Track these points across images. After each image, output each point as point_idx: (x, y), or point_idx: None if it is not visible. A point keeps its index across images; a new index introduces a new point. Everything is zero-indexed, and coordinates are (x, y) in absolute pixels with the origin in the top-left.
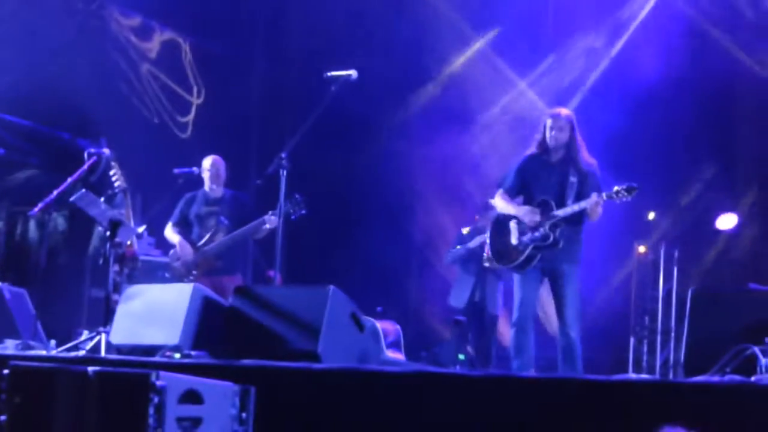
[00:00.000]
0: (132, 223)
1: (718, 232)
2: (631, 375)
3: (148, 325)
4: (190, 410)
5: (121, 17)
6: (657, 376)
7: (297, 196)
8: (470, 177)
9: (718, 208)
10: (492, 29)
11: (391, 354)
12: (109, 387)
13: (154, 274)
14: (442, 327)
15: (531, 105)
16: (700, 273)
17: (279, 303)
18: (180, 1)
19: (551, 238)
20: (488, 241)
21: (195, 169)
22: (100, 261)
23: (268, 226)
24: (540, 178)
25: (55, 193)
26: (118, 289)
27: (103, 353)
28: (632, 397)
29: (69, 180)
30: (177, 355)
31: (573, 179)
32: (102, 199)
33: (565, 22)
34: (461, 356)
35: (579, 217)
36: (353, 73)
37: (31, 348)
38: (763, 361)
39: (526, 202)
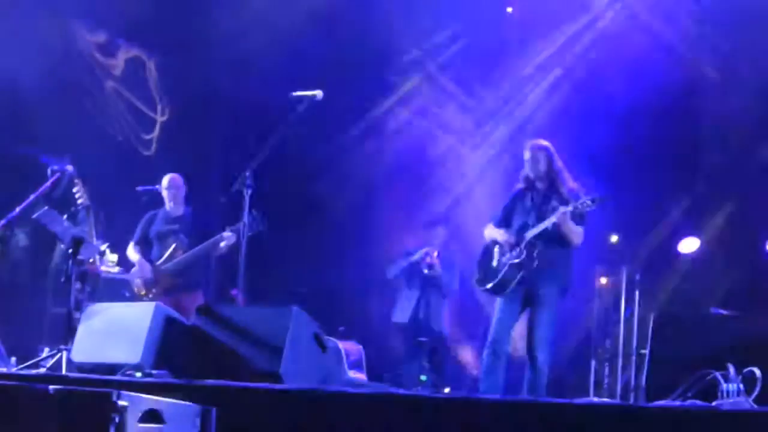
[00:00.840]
0: (95, 241)
1: (681, 255)
2: (593, 398)
3: (109, 343)
4: (151, 430)
5: (86, 34)
6: (618, 399)
7: (254, 212)
8: (432, 197)
9: (680, 232)
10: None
11: (353, 374)
12: (70, 406)
13: (116, 291)
14: (405, 348)
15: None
16: (662, 297)
17: (241, 323)
18: (145, 19)
19: (524, 255)
20: (477, 266)
21: (158, 186)
22: (62, 278)
23: (224, 243)
24: (523, 206)
25: (17, 209)
26: (79, 306)
27: (64, 371)
28: (594, 421)
29: (32, 196)
30: (138, 374)
31: (555, 203)
32: (65, 216)
33: (525, 35)
34: (423, 377)
35: (560, 240)
36: (318, 93)
37: None
38: (724, 386)
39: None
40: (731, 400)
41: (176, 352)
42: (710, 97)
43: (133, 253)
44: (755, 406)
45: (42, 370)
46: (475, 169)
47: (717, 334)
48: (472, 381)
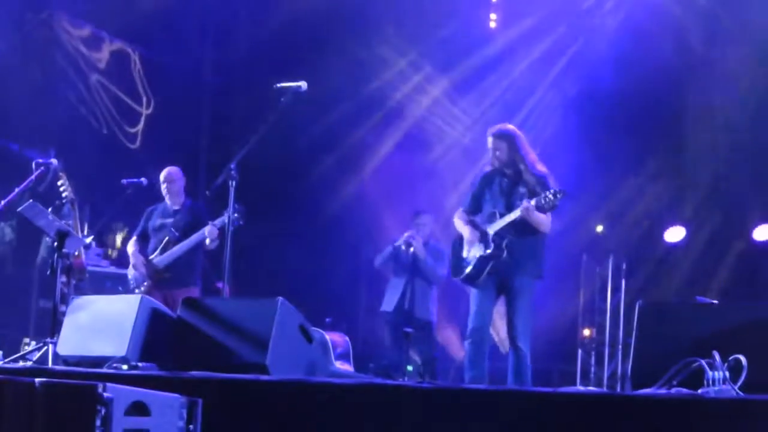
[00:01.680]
0: (80, 234)
1: (667, 244)
2: (579, 387)
3: (95, 336)
4: (137, 422)
5: (70, 27)
6: (604, 388)
7: (236, 206)
8: (420, 186)
9: (666, 221)
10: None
11: (340, 365)
12: (56, 398)
13: (102, 284)
14: (391, 337)
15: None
16: (648, 286)
17: (227, 315)
18: (129, 12)
19: (492, 248)
20: (450, 257)
21: (143, 179)
22: (48, 272)
23: (208, 239)
24: (492, 192)
25: (2, 203)
26: (65, 300)
27: (50, 364)
28: (580, 409)
29: (16, 190)
30: (124, 367)
31: (522, 190)
32: (49, 209)
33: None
34: (409, 367)
35: (529, 230)
36: (303, 84)
37: None
38: (710, 374)
39: (480, 218)
40: (716, 388)
41: (162, 344)
42: (696, 80)
43: (129, 246)
44: (741, 393)
45: (28, 364)
46: (463, 158)
47: (702, 322)
48: (459, 369)
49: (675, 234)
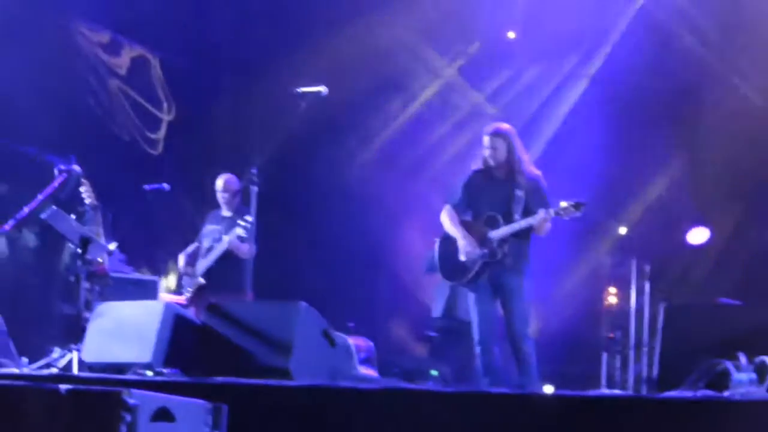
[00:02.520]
0: (103, 240)
1: (691, 245)
2: (604, 390)
3: (119, 342)
4: (163, 428)
5: (90, 33)
6: (630, 391)
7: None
8: (438, 190)
9: (690, 222)
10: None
11: (363, 370)
12: (81, 405)
13: (126, 290)
14: (415, 342)
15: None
16: (673, 287)
17: (250, 320)
18: (149, 17)
19: (499, 255)
20: (437, 257)
21: (165, 185)
22: (71, 278)
23: (226, 245)
24: (486, 193)
25: (25, 210)
26: (89, 306)
27: (75, 371)
28: (606, 412)
29: (39, 197)
30: (149, 373)
31: (519, 193)
32: (72, 216)
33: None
34: (434, 372)
35: (525, 232)
36: (323, 89)
37: (2, 366)
38: (736, 375)
39: (474, 218)
40: (743, 390)
41: (186, 350)
42: (716, 78)
43: (180, 259)
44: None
45: (53, 370)
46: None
47: (727, 324)
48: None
49: (699, 235)
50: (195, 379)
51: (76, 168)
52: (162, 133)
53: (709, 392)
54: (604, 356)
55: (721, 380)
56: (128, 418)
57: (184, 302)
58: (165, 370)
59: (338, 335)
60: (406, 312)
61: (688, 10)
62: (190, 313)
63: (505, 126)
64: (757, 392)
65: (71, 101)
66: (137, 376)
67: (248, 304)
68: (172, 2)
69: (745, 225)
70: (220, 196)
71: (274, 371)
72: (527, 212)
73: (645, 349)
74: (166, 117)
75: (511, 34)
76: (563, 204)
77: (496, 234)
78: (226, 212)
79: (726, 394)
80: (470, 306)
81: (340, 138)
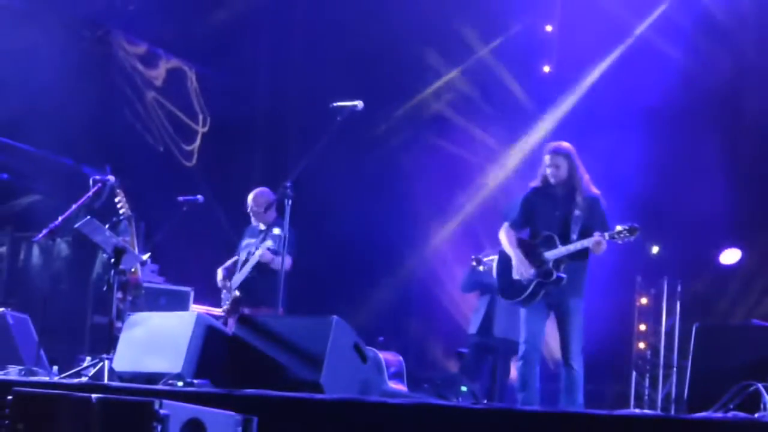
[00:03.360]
0: (136, 251)
1: (722, 266)
2: (634, 410)
3: (151, 352)
4: None
5: (127, 45)
6: (659, 411)
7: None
8: (471, 208)
9: (722, 243)
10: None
11: (393, 385)
12: (113, 414)
13: (158, 301)
14: (445, 358)
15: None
16: (703, 308)
17: (282, 332)
18: (185, 30)
19: (554, 276)
20: (495, 274)
21: (199, 197)
22: (104, 288)
23: (260, 260)
24: (545, 212)
25: (59, 219)
26: (121, 316)
27: (105, 380)
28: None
29: (73, 206)
30: (180, 383)
31: (578, 213)
32: (106, 226)
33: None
34: (464, 388)
35: (583, 252)
36: (359, 103)
37: (34, 374)
38: (766, 397)
39: (531, 236)
40: None
41: (217, 361)
42: (752, 97)
43: (218, 273)
44: None
45: (84, 379)
46: (513, 174)
47: (759, 345)
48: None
49: (731, 256)
50: (225, 390)
51: (111, 178)
52: (197, 144)
53: (740, 414)
54: (634, 375)
55: (753, 402)
56: (159, 428)
57: (221, 314)
58: (195, 381)
59: (369, 349)
60: (437, 327)
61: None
62: (228, 325)
63: (566, 144)
64: None
65: (108, 112)
66: (168, 387)
67: (280, 316)
68: (208, 14)
69: None
70: (251, 211)
71: (305, 385)
72: (585, 232)
73: (674, 369)
74: (201, 129)
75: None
76: (618, 228)
77: (551, 254)
78: (261, 226)
79: (757, 415)
80: (521, 322)
81: (377, 153)
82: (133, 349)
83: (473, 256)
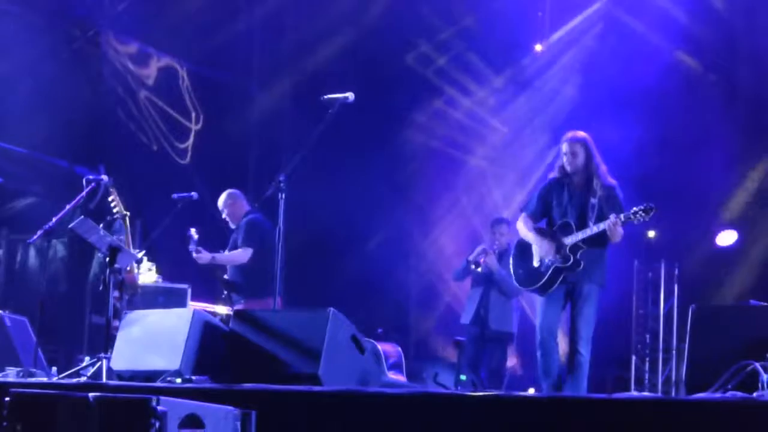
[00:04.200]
0: (131, 249)
1: (719, 248)
2: (633, 393)
3: (148, 350)
4: None
5: (117, 44)
6: (659, 393)
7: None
8: (470, 197)
9: (718, 225)
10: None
11: (392, 376)
12: (110, 413)
13: (155, 299)
14: (443, 348)
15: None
16: (702, 290)
17: (279, 326)
18: (176, 27)
19: (571, 260)
20: (511, 264)
21: (194, 194)
22: (100, 287)
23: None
24: (562, 201)
25: (53, 220)
26: (118, 315)
27: (104, 379)
28: (634, 415)
29: (67, 207)
30: (178, 380)
31: (594, 201)
32: (101, 225)
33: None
34: (463, 377)
35: (601, 239)
36: (350, 95)
37: (32, 375)
38: (764, 376)
39: (549, 225)
40: None
41: (215, 357)
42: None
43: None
44: None
45: (83, 379)
46: (512, 165)
47: (756, 325)
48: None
49: (727, 237)
50: (223, 385)
51: (104, 178)
52: (190, 142)
53: (738, 393)
54: (633, 359)
55: (751, 381)
56: (157, 424)
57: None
58: (194, 377)
59: (367, 341)
60: (436, 317)
61: None
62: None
63: (582, 133)
64: None
65: (100, 112)
66: (166, 384)
67: (277, 310)
68: (197, 12)
69: None
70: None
71: (303, 378)
72: (602, 220)
73: (674, 352)
74: (194, 126)
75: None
76: (634, 209)
77: (568, 240)
78: (231, 225)
79: (755, 395)
80: (538, 309)
81: (372, 146)
82: (130, 347)
83: (471, 258)
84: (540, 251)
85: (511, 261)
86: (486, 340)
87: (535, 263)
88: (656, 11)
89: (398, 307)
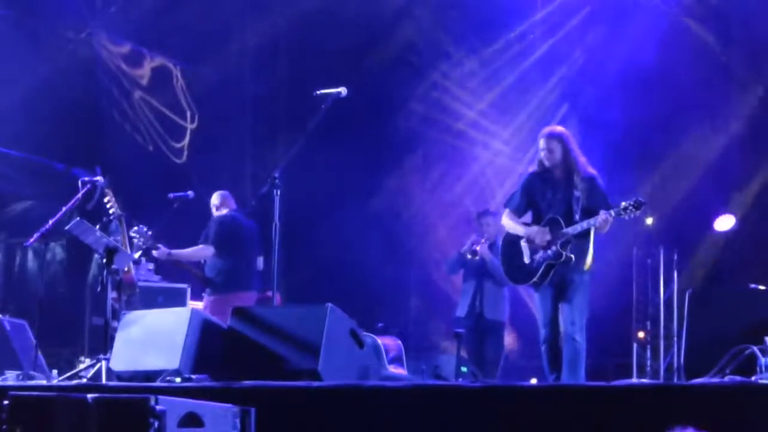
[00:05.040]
0: (128, 250)
1: (717, 233)
2: (633, 380)
3: (147, 350)
4: None
5: (110, 45)
6: (660, 380)
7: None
8: (468, 191)
9: (716, 210)
10: None
11: (393, 369)
12: (109, 413)
13: (154, 299)
14: (443, 341)
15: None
16: (701, 276)
17: (277, 323)
18: (168, 27)
19: (564, 256)
20: (501, 260)
21: (190, 193)
22: (98, 288)
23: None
24: (545, 195)
25: (50, 222)
26: (116, 315)
27: (104, 380)
28: (634, 401)
29: (64, 209)
30: (177, 379)
31: (577, 194)
32: (97, 226)
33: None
34: (464, 369)
35: (587, 231)
36: (343, 90)
37: (32, 378)
38: (762, 360)
39: (534, 221)
40: None
41: (214, 355)
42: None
43: None
44: None
45: (83, 381)
46: (510, 160)
47: (754, 309)
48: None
49: (725, 222)
50: (223, 383)
51: (100, 179)
52: (186, 141)
53: (737, 377)
54: (635, 347)
55: (749, 365)
56: (156, 424)
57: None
58: (193, 376)
59: (367, 335)
60: (435, 310)
61: None
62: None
63: (560, 128)
64: None
65: (95, 113)
66: (166, 383)
67: (274, 306)
68: (190, 10)
69: None
70: None
71: (303, 373)
72: (587, 211)
73: (675, 339)
74: (189, 125)
75: None
76: (624, 204)
77: (560, 237)
78: None
79: (753, 378)
80: (536, 306)
81: (368, 140)
82: (129, 348)
83: (464, 249)
84: (530, 247)
85: (500, 256)
86: (481, 330)
87: (526, 259)
88: None
89: (398, 300)
